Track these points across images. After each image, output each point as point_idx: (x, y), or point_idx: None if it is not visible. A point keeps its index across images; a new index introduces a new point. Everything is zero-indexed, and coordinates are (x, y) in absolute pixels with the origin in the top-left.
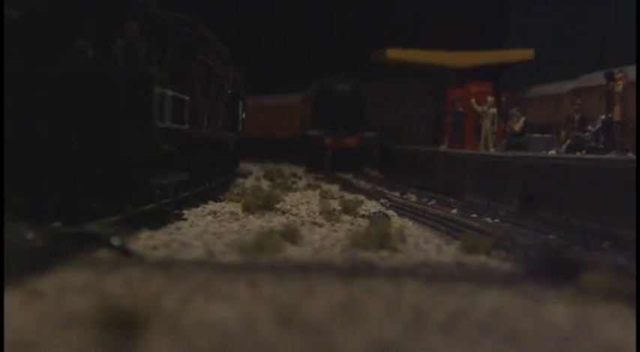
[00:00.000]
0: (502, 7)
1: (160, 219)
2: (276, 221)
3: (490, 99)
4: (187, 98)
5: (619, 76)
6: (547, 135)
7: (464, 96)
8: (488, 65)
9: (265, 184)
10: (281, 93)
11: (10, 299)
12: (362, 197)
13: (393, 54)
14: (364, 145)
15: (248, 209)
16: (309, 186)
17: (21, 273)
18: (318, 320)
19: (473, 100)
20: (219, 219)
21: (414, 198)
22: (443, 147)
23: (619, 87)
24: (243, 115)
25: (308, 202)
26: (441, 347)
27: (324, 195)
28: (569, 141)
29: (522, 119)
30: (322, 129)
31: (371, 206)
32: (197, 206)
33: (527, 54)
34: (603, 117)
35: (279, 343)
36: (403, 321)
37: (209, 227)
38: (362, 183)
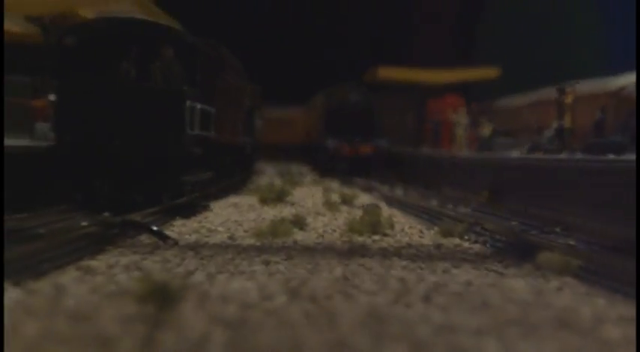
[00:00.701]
0: (473, 30)
1: (190, 210)
2: (286, 211)
3: (462, 109)
4: (213, 110)
5: (569, 90)
6: (511, 139)
7: (441, 107)
8: (461, 81)
9: (277, 181)
10: (290, 105)
11: (69, 274)
12: (357, 191)
13: (384, 72)
14: (378, 152)
15: (263, 201)
16: (314, 183)
17: (78, 254)
18: (321, 291)
19: (448, 110)
20: (240, 209)
21: (400, 191)
22: (424, 149)
23: (569, 99)
24: (259, 124)
25: (312, 196)
26: (424, 310)
27: (326, 190)
28: (529, 144)
29: (490, 126)
30: (338, 139)
31: (365, 198)
32: (221, 199)
33: (493, 72)
34: (556, 124)
35: (288, 310)
36: (391, 292)
37: (231, 216)
38: (357, 180)
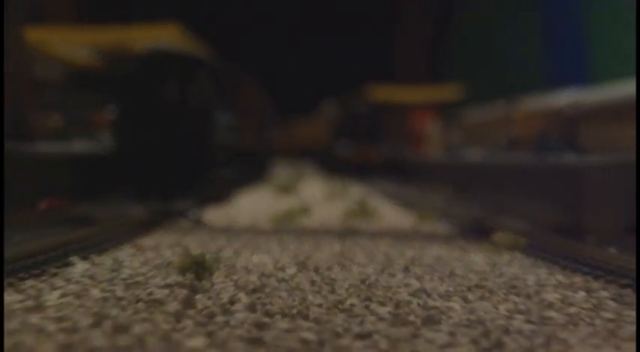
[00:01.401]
0: (444, 52)
1: (219, 200)
2: (295, 201)
3: (435, 120)
4: (235, 122)
5: (519, 107)
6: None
7: (418, 118)
8: (434, 98)
9: (288, 177)
10: (291, 116)
11: (125, 250)
12: (353, 185)
13: (375, 90)
14: (383, 157)
15: (277, 193)
16: (318, 179)
17: (132, 235)
18: (323, 264)
19: (424, 121)
20: (258, 200)
21: (386, 186)
22: (407, 154)
23: (519, 115)
24: (272, 133)
25: (317, 189)
26: (403, 279)
27: (328, 185)
28: (489, 147)
29: (457, 134)
30: (347, 144)
31: (359, 191)
32: (244, 192)
33: (457, 90)
34: (506, 134)
35: (297, 278)
36: (378, 264)
37: (252, 205)
38: (353, 176)
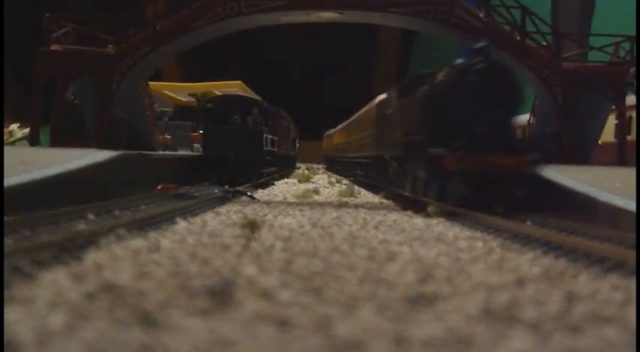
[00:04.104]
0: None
1: (265, 185)
2: (310, 186)
3: None
4: (275, 138)
5: None
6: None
7: None
8: None
9: (307, 172)
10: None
11: (209, 215)
12: (343, 177)
13: None
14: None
15: (300, 181)
16: (324, 173)
17: (212, 205)
18: (327, 224)
19: None
20: (288, 185)
21: (364, 177)
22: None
23: None
24: (297, 145)
25: (323, 179)
26: (374, 233)
27: (330, 176)
28: None
29: None
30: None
31: (347, 181)
32: (279, 180)
33: None
34: None
35: (311, 232)
36: (359, 224)
37: (284, 188)
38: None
